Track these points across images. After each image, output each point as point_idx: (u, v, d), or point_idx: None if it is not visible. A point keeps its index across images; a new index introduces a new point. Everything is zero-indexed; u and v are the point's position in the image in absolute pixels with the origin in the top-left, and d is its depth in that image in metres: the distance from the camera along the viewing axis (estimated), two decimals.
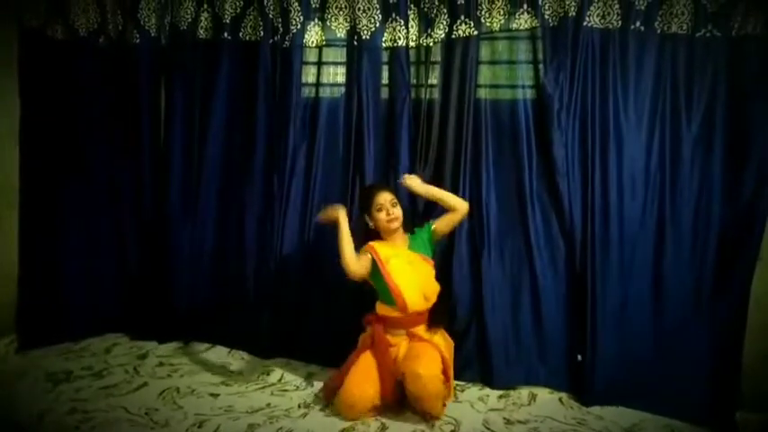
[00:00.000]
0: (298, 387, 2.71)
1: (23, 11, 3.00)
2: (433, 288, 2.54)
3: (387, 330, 2.51)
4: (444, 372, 2.43)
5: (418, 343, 2.47)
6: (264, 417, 2.41)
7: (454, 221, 2.59)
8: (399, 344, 2.49)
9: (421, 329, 2.51)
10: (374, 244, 2.54)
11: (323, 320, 2.96)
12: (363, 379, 2.42)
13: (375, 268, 2.49)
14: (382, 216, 2.51)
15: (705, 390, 2.50)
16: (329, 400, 2.52)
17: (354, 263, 2.47)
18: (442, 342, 2.53)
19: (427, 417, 2.38)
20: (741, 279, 2.47)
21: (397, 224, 2.52)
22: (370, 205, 2.53)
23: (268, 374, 2.85)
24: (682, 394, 2.51)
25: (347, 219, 2.53)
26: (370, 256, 2.50)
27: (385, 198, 2.52)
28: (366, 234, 2.60)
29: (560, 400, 2.65)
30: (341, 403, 2.41)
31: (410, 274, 2.48)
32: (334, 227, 2.52)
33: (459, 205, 2.57)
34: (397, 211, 2.52)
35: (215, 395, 2.60)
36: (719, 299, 2.51)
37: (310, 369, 2.90)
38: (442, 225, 2.59)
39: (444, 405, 2.45)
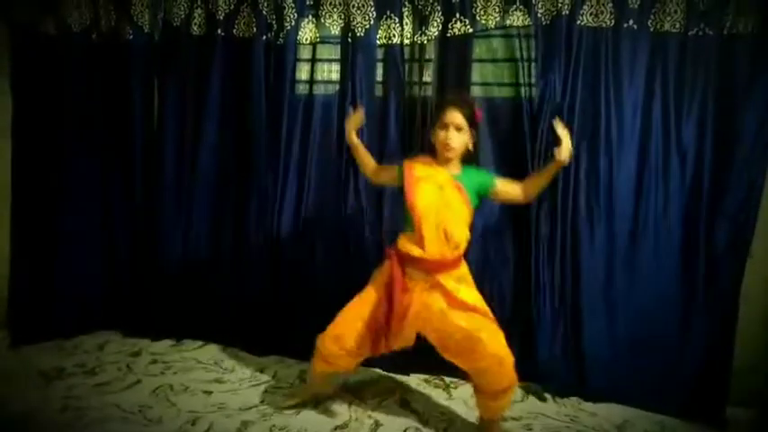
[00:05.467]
0: (291, 384, 2.72)
1: (15, 7, 2.98)
2: (459, 228, 2.20)
3: (410, 270, 2.22)
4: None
5: (470, 316, 2.15)
6: (258, 414, 2.42)
7: (513, 200, 2.32)
8: (413, 289, 2.20)
9: (448, 279, 2.19)
10: (415, 161, 2.32)
11: (317, 318, 2.95)
12: (358, 315, 2.26)
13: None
14: (441, 136, 2.22)
15: (696, 386, 2.52)
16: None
17: (372, 174, 2.42)
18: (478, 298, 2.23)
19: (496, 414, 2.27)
20: (732, 276, 2.49)
21: (450, 154, 2.22)
22: (438, 118, 2.26)
23: (261, 372, 2.85)
24: (673, 390, 2.54)
25: (355, 130, 2.39)
26: (396, 168, 2.33)
27: (453, 118, 2.19)
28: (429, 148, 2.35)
29: (553, 396, 2.67)
30: (324, 337, 2.28)
31: (436, 199, 2.19)
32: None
33: (529, 198, 2.33)
34: (457, 140, 2.20)
35: (208, 392, 2.60)
36: (711, 296, 2.53)
37: (303, 366, 2.89)
38: (502, 190, 2.28)
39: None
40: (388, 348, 2.30)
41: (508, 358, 2.13)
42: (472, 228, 2.32)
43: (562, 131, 2.18)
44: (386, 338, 2.23)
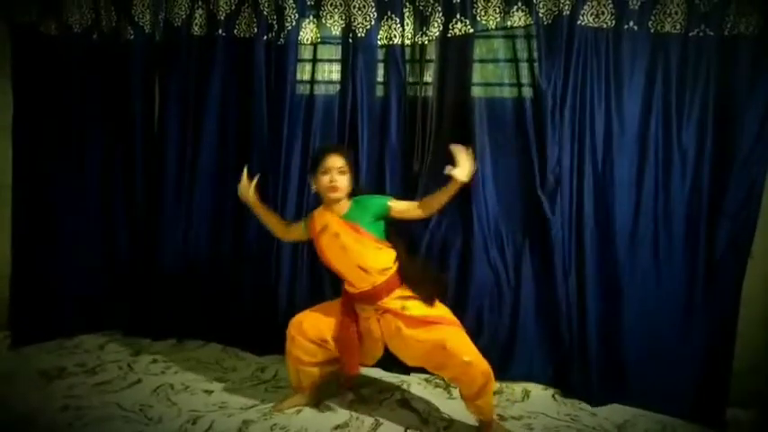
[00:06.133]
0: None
1: (16, 7, 2.98)
2: (371, 259, 2.28)
3: (356, 305, 2.35)
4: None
5: (430, 328, 2.19)
6: (258, 413, 2.42)
7: (413, 217, 2.36)
8: (370, 317, 2.33)
9: (391, 302, 2.26)
10: (315, 212, 2.42)
11: None
12: (323, 314, 2.41)
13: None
14: (325, 180, 2.30)
15: (696, 387, 2.52)
16: None
17: (282, 234, 2.56)
18: (435, 311, 2.27)
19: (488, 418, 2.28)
20: (733, 277, 2.49)
21: (337, 194, 2.31)
22: (317, 166, 2.33)
23: (262, 371, 2.85)
24: (674, 391, 2.54)
25: (254, 197, 2.46)
26: (302, 223, 2.47)
27: (334, 162, 2.29)
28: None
29: (553, 396, 2.68)
30: (290, 322, 2.42)
31: (337, 246, 2.30)
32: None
33: (429, 214, 2.41)
34: (342, 181, 2.30)
35: (209, 392, 2.60)
36: (711, 297, 2.53)
37: None
38: (400, 210, 2.34)
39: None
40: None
41: (475, 357, 2.15)
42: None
43: (459, 152, 2.20)
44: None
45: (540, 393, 2.70)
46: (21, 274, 3.08)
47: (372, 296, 2.29)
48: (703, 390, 2.51)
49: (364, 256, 2.29)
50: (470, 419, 2.41)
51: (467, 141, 2.70)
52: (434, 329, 2.20)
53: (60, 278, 3.14)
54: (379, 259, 2.30)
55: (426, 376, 2.81)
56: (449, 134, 2.77)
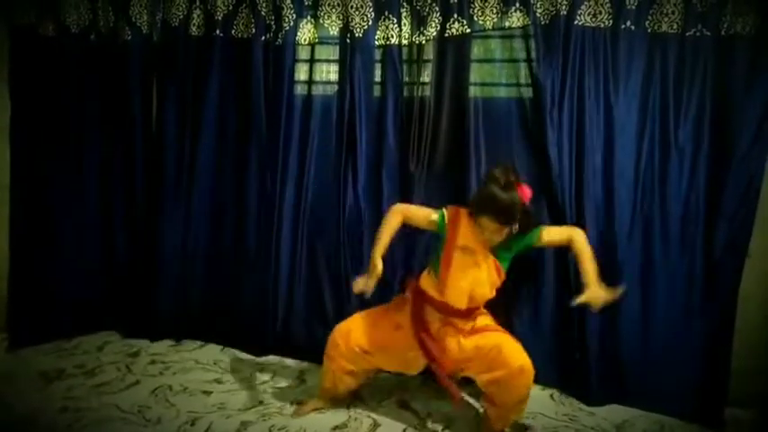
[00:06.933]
0: (290, 385, 2.72)
1: (14, 8, 2.98)
2: (484, 294, 2.25)
3: (428, 307, 2.29)
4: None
5: (486, 334, 2.24)
6: (257, 414, 2.42)
7: (559, 246, 2.37)
8: (434, 323, 2.28)
9: (461, 322, 2.26)
10: (462, 219, 2.21)
11: (316, 320, 2.97)
12: (374, 322, 2.34)
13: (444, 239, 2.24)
14: (482, 235, 2.16)
15: (695, 387, 2.52)
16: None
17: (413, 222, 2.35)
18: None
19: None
20: (731, 277, 2.49)
21: (491, 244, 2.20)
22: (479, 215, 2.13)
23: (260, 372, 2.85)
24: (672, 391, 2.54)
25: (377, 263, 2.23)
26: (437, 215, 2.25)
27: (488, 225, 2.11)
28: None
29: (551, 396, 2.68)
30: (335, 330, 2.37)
31: (472, 273, 2.20)
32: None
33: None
34: (497, 237, 2.16)
35: (207, 393, 2.60)
36: (709, 297, 2.53)
37: (303, 367, 2.91)
38: (550, 239, 2.27)
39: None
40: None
41: (528, 366, 2.15)
42: None
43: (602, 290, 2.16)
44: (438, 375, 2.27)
45: (538, 393, 2.69)
46: (19, 275, 3.07)
47: (456, 313, 2.25)
48: (702, 390, 2.51)
49: (485, 292, 2.24)
50: (469, 419, 2.41)
51: (464, 141, 2.73)
52: (491, 335, 2.24)
53: (58, 279, 3.13)
54: (492, 294, 2.27)
55: (425, 377, 2.81)
56: (446, 134, 2.78)
